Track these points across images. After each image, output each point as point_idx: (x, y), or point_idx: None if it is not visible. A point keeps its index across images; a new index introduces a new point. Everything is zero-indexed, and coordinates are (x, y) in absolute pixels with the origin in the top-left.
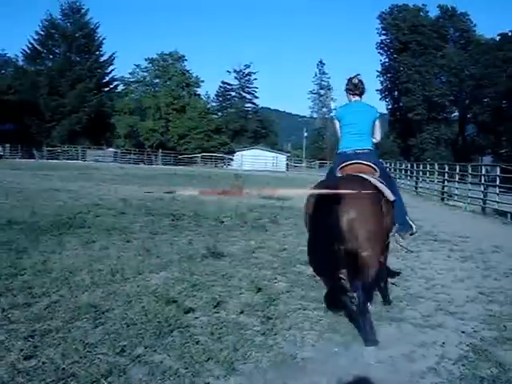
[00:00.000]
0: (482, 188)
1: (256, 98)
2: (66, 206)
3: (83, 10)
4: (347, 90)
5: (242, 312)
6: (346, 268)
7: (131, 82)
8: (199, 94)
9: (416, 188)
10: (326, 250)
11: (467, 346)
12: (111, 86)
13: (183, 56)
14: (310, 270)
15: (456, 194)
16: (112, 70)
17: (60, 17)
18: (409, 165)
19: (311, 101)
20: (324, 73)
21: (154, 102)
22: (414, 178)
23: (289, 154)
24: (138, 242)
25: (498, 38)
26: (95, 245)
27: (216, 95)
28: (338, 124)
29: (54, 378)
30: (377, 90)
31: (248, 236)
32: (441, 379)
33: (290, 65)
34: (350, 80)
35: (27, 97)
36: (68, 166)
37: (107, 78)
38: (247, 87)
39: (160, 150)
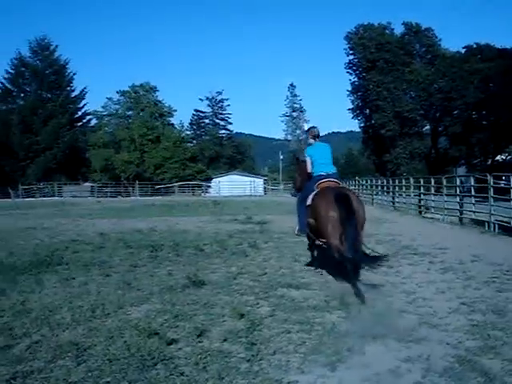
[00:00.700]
0: (458, 199)
1: (230, 123)
2: (43, 244)
3: (52, 47)
4: (310, 137)
5: (225, 339)
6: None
7: (104, 115)
8: (173, 124)
9: (393, 203)
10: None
11: (452, 357)
12: (84, 121)
13: (155, 87)
14: (292, 292)
15: (433, 207)
16: (84, 105)
17: (29, 54)
18: (385, 180)
19: (284, 123)
20: (295, 95)
21: (127, 134)
22: (391, 193)
23: (266, 178)
24: (117, 276)
25: (463, 51)
26: (74, 281)
27: (190, 123)
28: (309, 159)
29: None
30: (348, 109)
31: (228, 262)
32: None
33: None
34: (311, 130)
35: (0, 136)
36: (44, 204)
37: (80, 113)
38: (220, 114)
39: (137, 182)
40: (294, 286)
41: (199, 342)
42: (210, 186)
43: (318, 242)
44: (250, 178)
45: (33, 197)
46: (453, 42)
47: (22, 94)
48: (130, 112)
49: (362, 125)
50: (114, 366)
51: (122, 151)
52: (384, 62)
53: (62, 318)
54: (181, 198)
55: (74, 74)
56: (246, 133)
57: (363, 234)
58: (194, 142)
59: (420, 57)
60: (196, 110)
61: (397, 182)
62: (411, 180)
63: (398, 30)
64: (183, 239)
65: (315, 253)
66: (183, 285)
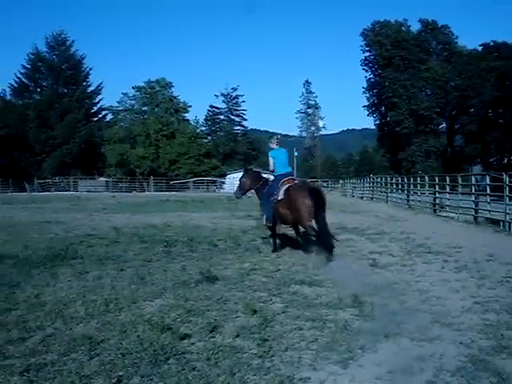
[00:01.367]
0: (473, 197)
1: (245, 120)
2: (58, 237)
3: (68, 42)
4: (273, 142)
5: (237, 335)
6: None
7: (120, 110)
8: (188, 120)
9: (408, 201)
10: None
11: (465, 356)
12: (100, 116)
13: (170, 82)
14: (305, 289)
15: (448, 205)
16: (100, 100)
17: (46, 49)
18: (399, 178)
19: (299, 120)
20: (311, 92)
21: (143, 129)
22: (406, 192)
23: None
24: (131, 271)
25: (480, 49)
26: (88, 275)
27: (205, 119)
28: (272, 160)
29: None
30: (364, 106)
31: (242, 258)
32: None
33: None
34: (275, 137)
35: (16, 131)
36: (59, 198)
37: (95, 108)
38: (235, 110)
39: (151, 177)
40: (307, 282)
41: (212, 337)
42: (224, 182)
43: (278, 232)
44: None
45: (48, 191)
46: (470, 39)
47: (39, 89)
48: (146, 107)
49: (377, 122)
50: (127, 360)
51: (137, 147)
52: (400, 59)
53: (76, 311)
54: (195, 194)
55: (90, 69)
56: (261, 129)
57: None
58: (209, 137)
59: (436, 54)
60: (211, 106)
61: (412, 179)
62: (426, 178)
63: (415, 27)
64: (197, 235)
65: (277, 240)
66: (197, 280)
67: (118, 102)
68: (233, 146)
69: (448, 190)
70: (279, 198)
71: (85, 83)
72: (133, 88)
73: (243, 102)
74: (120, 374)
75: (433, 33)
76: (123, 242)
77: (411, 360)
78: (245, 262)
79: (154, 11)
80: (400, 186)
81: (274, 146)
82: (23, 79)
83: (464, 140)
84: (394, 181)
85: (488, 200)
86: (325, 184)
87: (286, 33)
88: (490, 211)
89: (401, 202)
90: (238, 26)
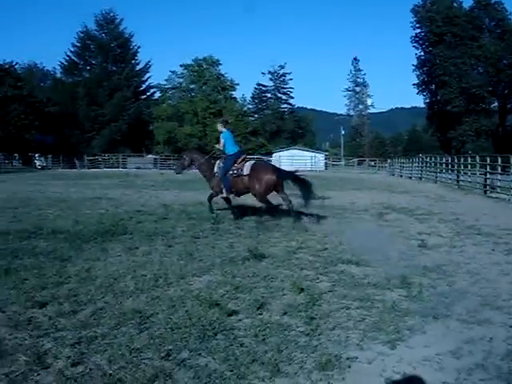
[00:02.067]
0: None
1: (291, 98)
2: (108, 213)
3: (117, 20)
4: (222, 125)
5: (285, 313)
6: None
7: (167, 88)
8: (235, 97)
9: (457, 181)
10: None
11: None
12: (148, 94)
13: (218, 60)
14: (352, 268)
15: (499, 186)
16: (148, 78)
17: (95, 28)
18: (449, 158)
19: (347, 98)
20: (359, 69)
21: (190, 107)
22: (456, 172)
23: (327, 153)
24: (179, 247)
25: None
26: (138, 251)
27: (252, 97)
28: (223, 140)
29: (101, 383)
30: (413, 84)
31: (288, 236)
32: (489, 375)
33: (324, 63)
34: (226, 120)
35: (67, 108)
36: (109, 175)
37: (144, 86)
38: (282, 88)
39: None
40: (354, 262)
41: (259, 314)
42: (270, 161)
43: (234, 202)
44: (310, 153)
45: (97, 168)
46: None
47: (88, 67)
48: (193, 85)
49: (427, 101)
50: (176, 335)
51: (184, 124)
52: (452, 36)
53: (126, 285)
54: None
55: (139, 48)
56: (308, 107)
57: None
58: (256, 116)
59: (489, 31)
60: (258, 84)
61: (462, 160)
62: (477, 158)
63: (467, 3)
64: (244, 212)
65: (235, 210)
66: (244, 257)
67: (166, 80)
68: (279, 124)
69: (499, 170)
70: (245, 173)
71: (133, 61)
72: (181, 66)
73: (290, 79)
74: (169, 347)
75: (486, 9)
76: (172, 218)
77: (460, 342)
78: (292, 240)
79: None
80: (450, 166)
81: (222, 128)
82: (73, 57)
83: None
84: (443, 160)
85: None
86: (372, 163)
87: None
88: None
89: (450, 182)
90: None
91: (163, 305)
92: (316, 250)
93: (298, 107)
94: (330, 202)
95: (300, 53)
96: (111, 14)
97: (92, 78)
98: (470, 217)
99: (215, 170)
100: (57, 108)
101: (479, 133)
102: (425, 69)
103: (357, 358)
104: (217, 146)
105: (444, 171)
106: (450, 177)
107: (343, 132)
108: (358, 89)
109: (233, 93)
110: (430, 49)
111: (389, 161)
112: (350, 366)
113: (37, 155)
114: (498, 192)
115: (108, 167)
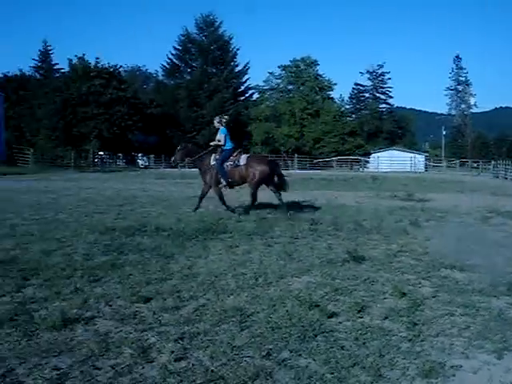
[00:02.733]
0: None
1: (390, 97)
2: (208, 212)
3: (217, 23)
4: (221, 123)
5: (386, 317)
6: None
7: (265, 89)
8: (332, 98)
9: None
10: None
11: None
12: (247, 95)
13: (315, 61)
14: (456, 273)
15: None
16: (247, 80)
17: (195, 31)
18: None
19: (448, 97)
20: (461, 68)
21: (288, 107)
22: None
23: (427, 154)
24: (278, 247)
25: None
26: (238, 249)
27: (349, 97)
28: (223, 136)
29: (203, 379)
30: None
31: (388, 239)
32: None
33: (424, 62)
34: (223, 118)
35: (168, 109)
36: None
37: (242, 88)
38: (381, 87)
39: (296, 155)
40: (457, 267)
41: (359, 317)
42: (368, 161)
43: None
44: (410, 154)
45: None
46: None
47: (189, 70)
48: (291, 86)
49: None
50: (276, 334)
51: (282, 125)
52: None
53: (227, 283)
54: (339, 173)
55: (238, 50)
56: (407, 107)
57: None
58: (354, 116)
59: None
60: (356, 84)
61: None
62: None
63: None
64: (342, 213)
65: (229, 205)
66: (343, 259)
67: (264, 81)
68: (378, 124)
69: None
70: (241, 164)
71: (232, 63)
72: (278, 67)
73: (389, 79)
74: (270, 347)
75: None
76: (270, 218)
77: None
78: (392, 243)
79: None
80: None
81: (221, 126)
82: (174, 60)
83: None
84: None
85: None
86: (475, 165)
87: (433, 6)
88: None
89: None
90: (385, 1)
91: (263, 304)
92: (417, 254)
93: (396, 107)
94: (431, 204)
95: (399, 51)
96: (211, 17)
97: (193, 80)
98: None
99: (212, 162)
100: (159, 109)
101: None
102: None
103: (461, 366)
104: (212, 142)
105: None
106: None
107: (444, 132)
108: (460, 87)
109: (330, 93)
110: None
111: (493, 163)
112: (454, 375)
113: (140, 155)
114: None
115: None
